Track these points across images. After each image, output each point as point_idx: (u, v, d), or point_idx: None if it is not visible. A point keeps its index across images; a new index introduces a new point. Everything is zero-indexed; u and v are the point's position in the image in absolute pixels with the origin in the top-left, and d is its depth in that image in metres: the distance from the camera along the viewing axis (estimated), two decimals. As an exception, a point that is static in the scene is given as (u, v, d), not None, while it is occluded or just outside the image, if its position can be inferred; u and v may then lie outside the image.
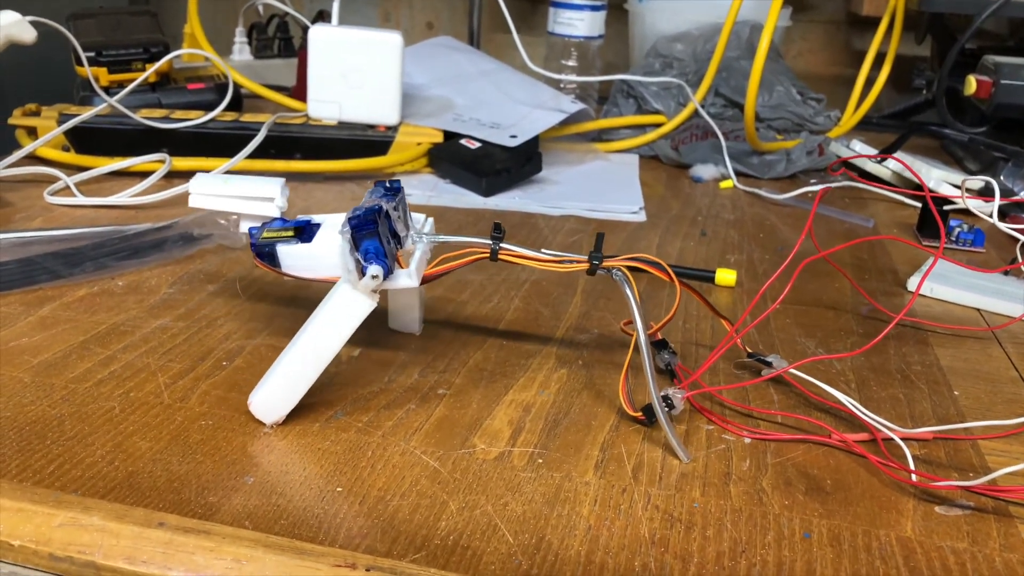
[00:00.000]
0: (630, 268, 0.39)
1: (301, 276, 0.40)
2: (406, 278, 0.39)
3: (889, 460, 0.36)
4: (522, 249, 0.40)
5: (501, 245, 0.40)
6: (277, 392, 0.37)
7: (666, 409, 0.38)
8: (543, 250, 0.40)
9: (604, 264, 0.39)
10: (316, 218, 0.41)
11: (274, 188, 0.42)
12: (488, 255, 0.40)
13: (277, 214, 0.42)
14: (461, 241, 0.41)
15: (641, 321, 0.37)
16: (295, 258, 0.40)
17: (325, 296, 0.37)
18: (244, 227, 0.43)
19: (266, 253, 0.40)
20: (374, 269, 0.36)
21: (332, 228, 0.40)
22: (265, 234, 0.40)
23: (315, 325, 0.37)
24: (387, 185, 0.41)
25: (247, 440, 0.36)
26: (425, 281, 0.41)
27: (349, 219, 0.37)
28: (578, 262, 0.40)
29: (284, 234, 0.40)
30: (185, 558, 0.30)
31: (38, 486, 0.32)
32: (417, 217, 0.44)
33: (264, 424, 0.37)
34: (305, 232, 0.40)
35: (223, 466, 0.34)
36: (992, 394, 0.44)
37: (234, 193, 0.42)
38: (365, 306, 0.37)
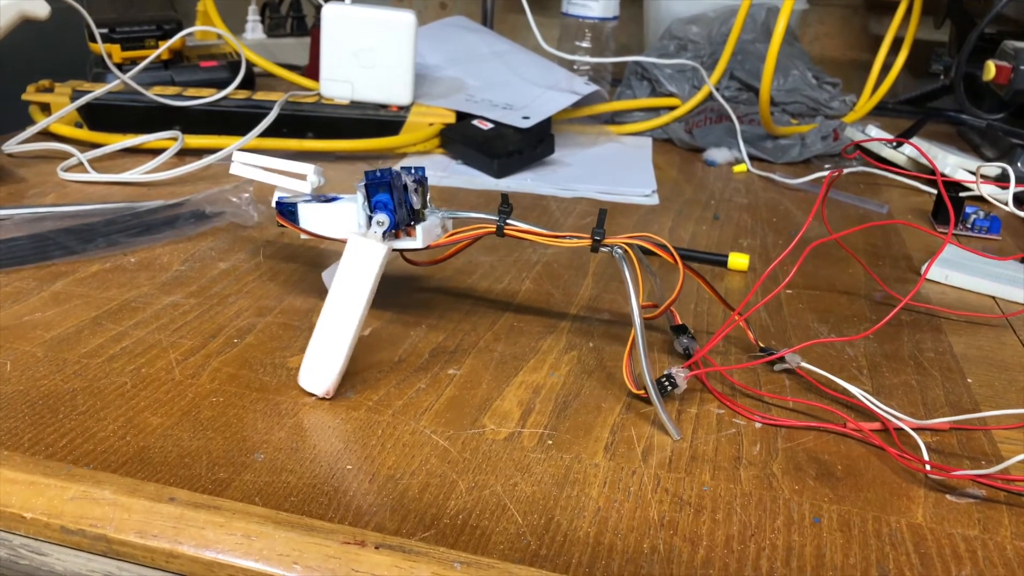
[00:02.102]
0: (636, 248, 0.39)
1: (316, 232, 0.42)
2: (411, 240, 0.40)
3: (904, 451, 0.36)
4: (527, 225, 0.41)
5: (507, 221, 0.40)
6: (318, 358, 0.38)
7: (668, 387, 0.38)
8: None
9: (606, 241, 0.39)
10: (342, 196, 0.44)
11: (309, 168, 0.44)
12: (494, 230, 0.40)
13: (308, 191, 0.44)
14: (472, 216, 0.43)
15: (635, 297, 0.37)
16: (313, 215, 0.42)
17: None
18: (277, 196, 0.45)
19: (288, 212, 0.43)
20: (380, 216, 0.39)
21: (352, 199, 0.42)
22: (291, 199, 0.44)
23: (337, 287, 0.38)
24: (412, 169, 0.42)
25: (257, 417, 0.36)
26: (436, 261, 0.42)
27: (366, 173, 0.39)
28: (581, 238, 0.40)
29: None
30: (195, 533, 0.30)
31: (50, 459, 0.32)
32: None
33: (316, 396, 0.38)
34: (328, 202, 0.43)
35: (233, 443, 0.34)
36: (1005, 382, 0.43)
37: (272, 167, 0.45)
38: (378, 250, 0.38)
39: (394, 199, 0.39)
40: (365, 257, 0.38)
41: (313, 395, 0.38)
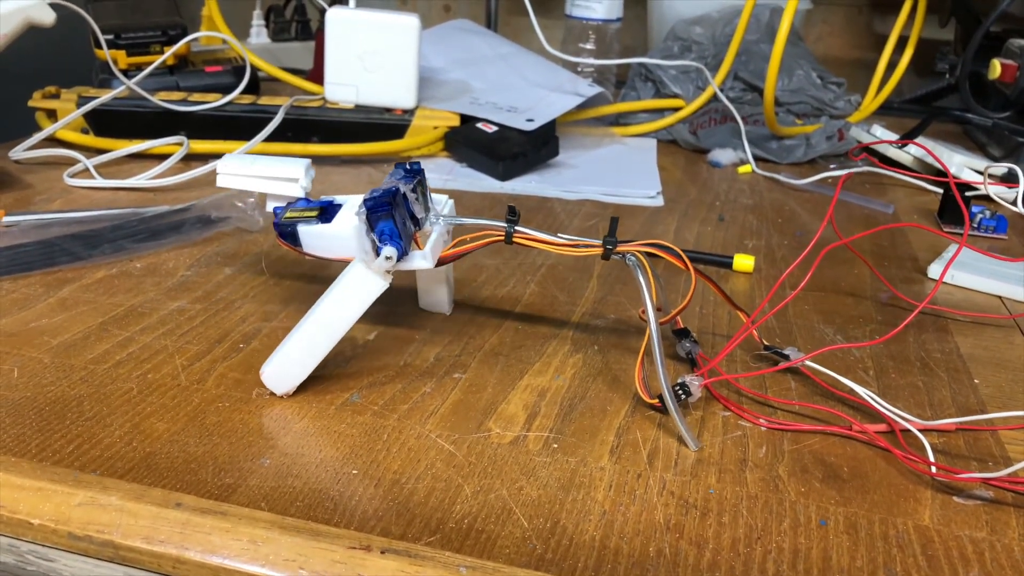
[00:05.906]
0: (645, 254, 0.39)
1: (321, 256, 0.41)
2: (421, 259, 0.39)
3: (909, 452, 0.36)
4: (537, 232, 0.40)
5: (516, 228, 0.40)
6: (288, 364, 0.38)
7: (682, 396, 0.38)
8: (559, 235, 0.40)
9: (618, 249, 0.39)
10: (339, 199, 0.42)
11: (299, 169, 0.43)
12: (503, 238, 0.40)
13: (301, 194, 0.43)
14: (478, 223, 0.42)
15: (652, 307, 0.37)
16: (315, 238, 0.40)
17: (340, 274, 0.38)
18: (270, 206, 0.44)
19: (288, 233, 0.41)
20: (388, 250, 0.37)
21: (352, 209, 0.41)
22: (288, 214, 0.41)
23: (327, 302, 0.38)
24: (407, 167, 0.41)
25: (263, 422, 0.36)
26: (441, 263, 0.41)
27: (364, 200, 0.38)
28: (592, 246, 0.39)
29: (307, 214, 0.41)
30: (202, 538, 0.30)
31: (58, 466, 0.33)
32: (438, 199, 0.44)
33: (275, 394, 0.38)
34: (327, 212, 0.41)
35: (239, 448, 0.34)
36: (1013, 382, 0.43)
37: (260, 174, 0.43)
38: (377, 286, 0.38)
39: (397, 223, 0.37)
40: (364, 288, 0.38)
41: (272, 392, 0.38)
